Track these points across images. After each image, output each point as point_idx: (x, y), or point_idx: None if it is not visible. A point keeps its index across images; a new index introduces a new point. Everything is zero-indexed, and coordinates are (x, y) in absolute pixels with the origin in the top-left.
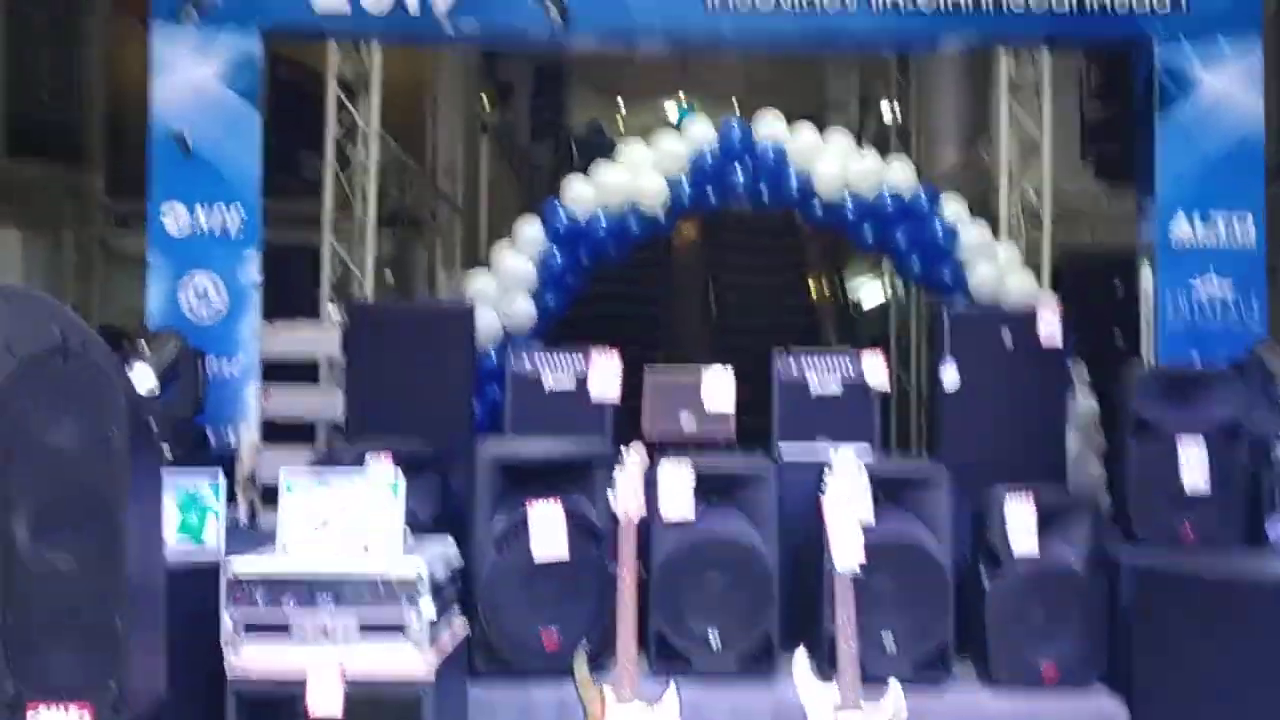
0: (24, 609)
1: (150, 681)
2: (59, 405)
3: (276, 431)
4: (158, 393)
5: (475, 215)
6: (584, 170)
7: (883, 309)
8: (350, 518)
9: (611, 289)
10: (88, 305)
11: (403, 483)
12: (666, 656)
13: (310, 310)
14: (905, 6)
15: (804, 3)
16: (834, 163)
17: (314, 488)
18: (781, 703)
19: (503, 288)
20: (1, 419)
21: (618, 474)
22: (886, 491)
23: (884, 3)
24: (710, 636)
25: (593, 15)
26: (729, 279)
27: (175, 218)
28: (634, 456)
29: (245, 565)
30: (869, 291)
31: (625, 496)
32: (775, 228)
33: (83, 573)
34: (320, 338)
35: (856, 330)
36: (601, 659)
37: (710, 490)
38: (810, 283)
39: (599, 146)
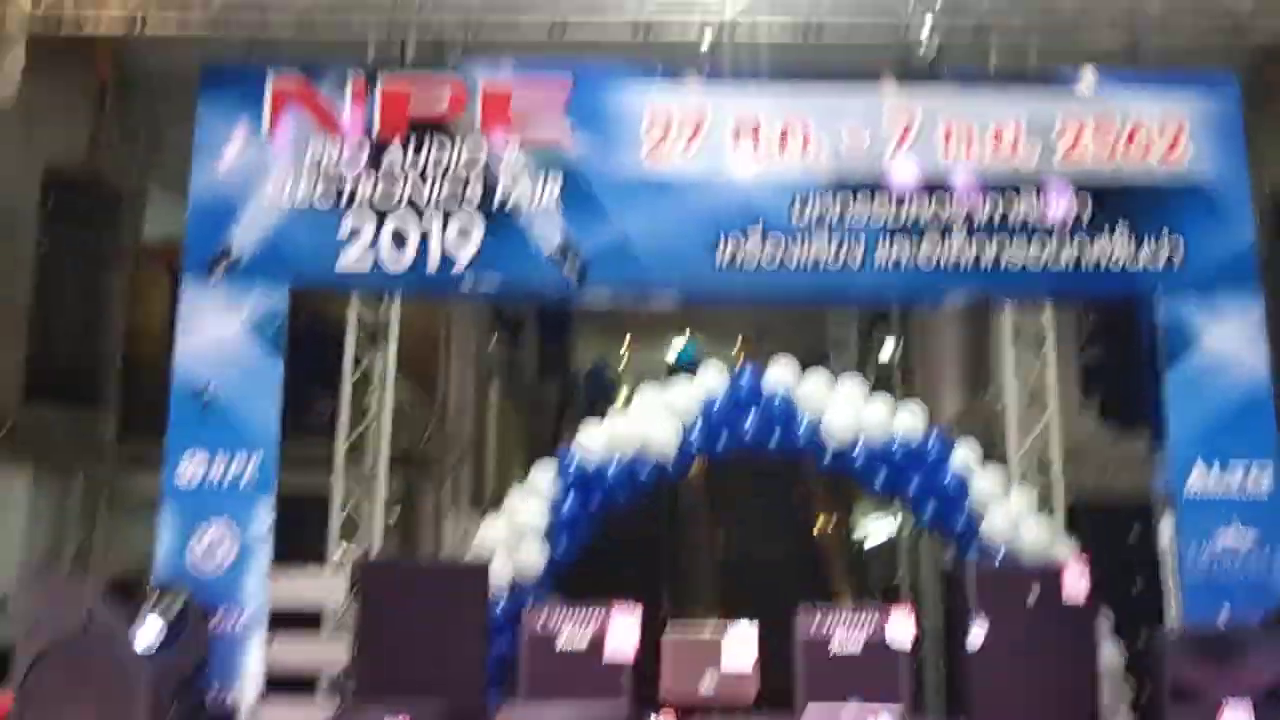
0: None
1: None
2: (82, 690)
3: (275, 682)
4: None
5: (483, 454)
6: (589, 408)
7: (890, 547)
8: None
9: (615, 527)
10: (92, 548)
11: None
12: None
13: (316, 554)
14: (908, 264)
15: (810, 261)
16: (844, 409)
17: None
18: None
19: (515, 534)
20: (26, 700)
21: None
22: None
23: (888, 260)
24: None
25: (607, 271)
26: (733, 516)
27: (191, 468)
28: None
29: None
30: (875, 530)
31: None
32: (779, 465)
33: None
34: (326, 586)
35: (864, 570)
36: None
37: None
38: (816, 520)
39: (604, 385)
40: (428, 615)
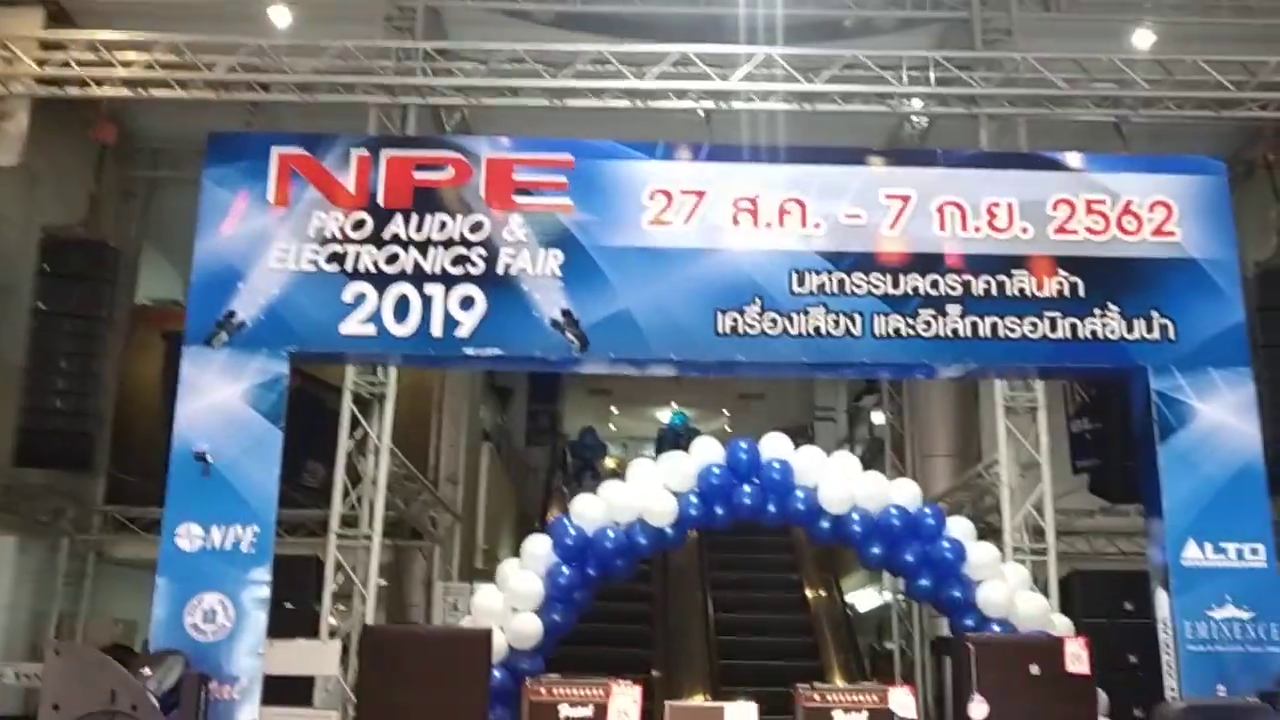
0: None
1: None
2: None
3: None
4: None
5: (473, 522)
6: (577, 474)
7: (880, 613)
8: None
9: (604, 593)
10: (77, 611)
11: None
12: None
13: (305, 617)
14: (906, 334)
15: (810, 329)
16: (840, 482)
17: None
18: None
19: (509, 605)
20: None
21: None
22: None
23: (887, 330)
24: None
25: (608, 340)
26: (722, 580)
27: (189, 537)
28: None
29: None
30: (865, 597)
31: None
32: (770, 532)
33: None
34: (318, 656)
35: (854, 636)
36: None
37: None
38: (806, 588)
39: (592, 450)
40: (429, 681)
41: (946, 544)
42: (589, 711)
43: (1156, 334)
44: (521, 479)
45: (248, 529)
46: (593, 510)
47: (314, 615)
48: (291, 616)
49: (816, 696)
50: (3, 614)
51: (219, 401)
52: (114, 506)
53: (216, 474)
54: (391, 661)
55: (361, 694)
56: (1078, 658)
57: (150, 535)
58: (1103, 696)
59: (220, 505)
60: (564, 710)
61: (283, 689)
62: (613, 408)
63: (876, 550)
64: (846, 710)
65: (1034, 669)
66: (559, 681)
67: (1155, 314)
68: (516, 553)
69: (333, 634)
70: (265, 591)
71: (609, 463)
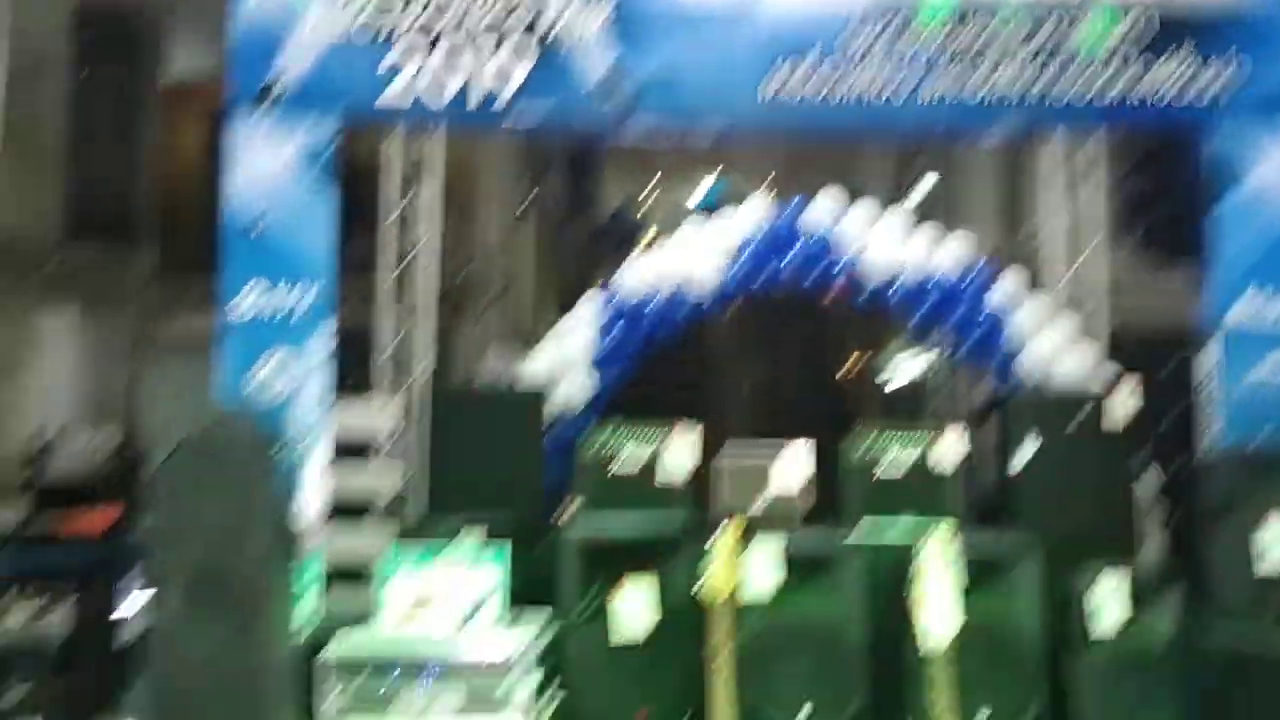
0: (172, 677)
1: None
2: (211, 487)
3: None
4: None
5: (515, 295)
6: (615, 248)
7: (917, 387)
8: (450, 594)
9: (646, 367)
10: (139, 386)
11: (506, 553)
12: None
13: (359, 388)
14: (953, 98)
15: (856, 94)
16: (884, 247)
17: (413, 565)
18: None
19: (559, 367)
20: (160, 498)
21: (710, 551)
22: (975, 571)
23: (935, 92)
24: (800, 716)
25: (651, 103)
26: (762, 355)
27: (248, 300)
28: (727, 534)
29: (347, 646)
30: (904, 369)
31: (717, 574)
32: (810, 303)
33: (227, 645)
34: (375, 416)
35: (891, 408)
36: None
37: (796, 570)
38: (844, 358)
39: (630, 225)
40: (488, 439)
41: (992, 307)
42: (642, 459)
43: (1222, 85)
44: (561, 253)
45: (306, 290)
46: (637, 277)
47: (368, 383)
48: (346, 385)
49: (864, 440)
50: (68, 389)
51: (267, 167)
52: (164, 280)
53: (270, 238)
54: (451, 420)
55: (427, 449)
56: (1126, 403)
57: (203, 309)
58: (1148, 457)
59: (277, 268)
60: (618, 458)
61: (340, 451)
62: (653, 179)
63: (920, 315)
64: (902, 446)
65: (1078, 426)
66: (612, 431)
67: (1223, 63)
68: (557, 326)
69: (387, 402)
70: (327, 352)
71: (648, 236)
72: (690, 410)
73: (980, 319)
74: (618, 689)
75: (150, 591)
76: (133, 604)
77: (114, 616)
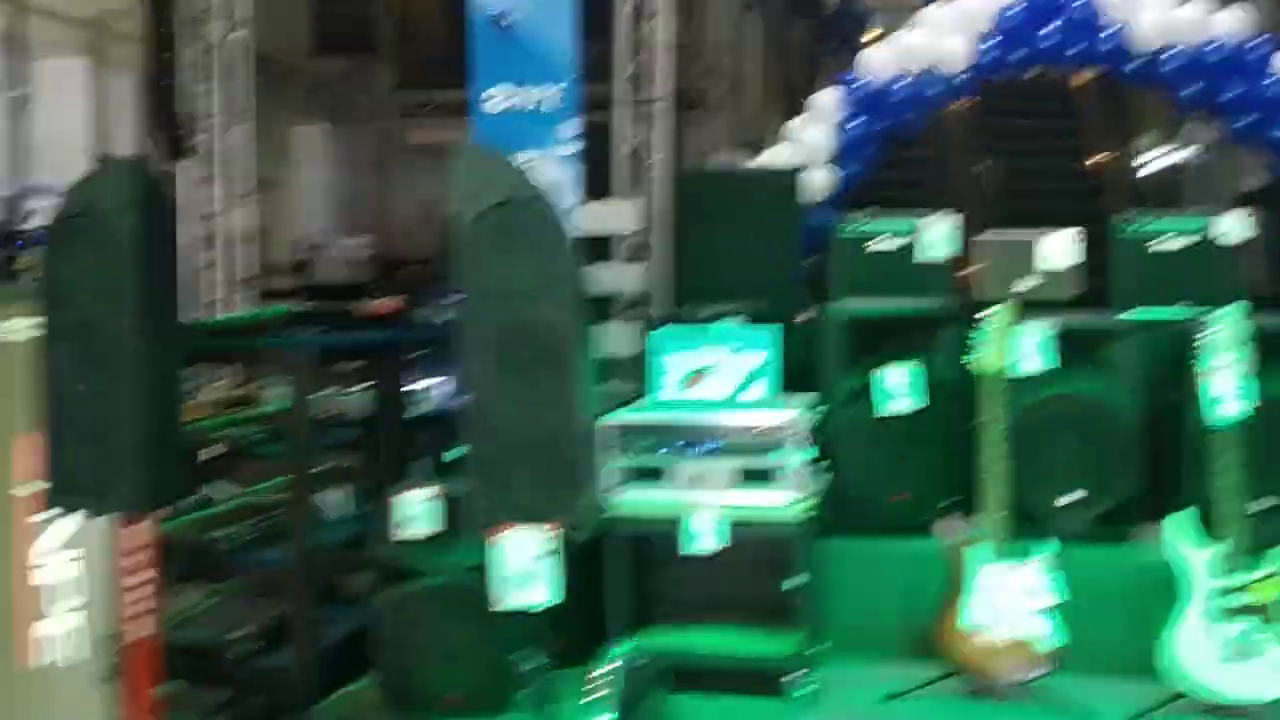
0: (492, 438)
1: (597, 506)
2: (514, 251)
3: None
4: None
5: (742, 93)
6: (839, 45)
7: (1182, 172)
8: (722, 371)
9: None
10: (385, 194)
11: (775, 333)
12: (1026, 517)
13: (597, 192)
14: None
15: None
16: (1153, 15)
17: (686, 343)
18: (1145, 565)
19: (801, 159)
20: (465, 264)
21: (979, 330)
22: (1264, 350)
23: None
24: (1069, 497)
25: None
26: (1001, 147)
27: (495, 100)
28: (999, 311)
29: (626, 416)
30: (1168, 154)
31: (987, 353)
32: (1053, 93)
33: (541, 406)
34: (618, 215)
35: (1143, 201)
36: (953, 518)
37: (1068, 349)
38: (1093, 154)
39: (856, 20)
40: (742, 220)
41: (1274, 78)
42: (898, 241)
43: None
44: (785, 52)
45: (552, 87)
46: (882, 60)
47: (607, 185)
48: (587, 187)
49: (1136, 220)
50: (320, 196)
51: None
52: (406, 92)
53: (515, 35)
54: (700, 207)
55: (681, 234)
56: None
57: (442, 119)
58: None
59: (522, 66)
60: (873, 240)
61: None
62: None
63: (1191, 90)
64: (1178, 228)
65: None
66: (867, 214)
67: None
68: (793, 120)
69: (627, 203)
70: (574, 148)
71: (873, 33)
72: (936, 204)
73: (1263, 92)
74: (882, 468)
75: (452, 364)
76: (426, 380)
77: (408, 389)
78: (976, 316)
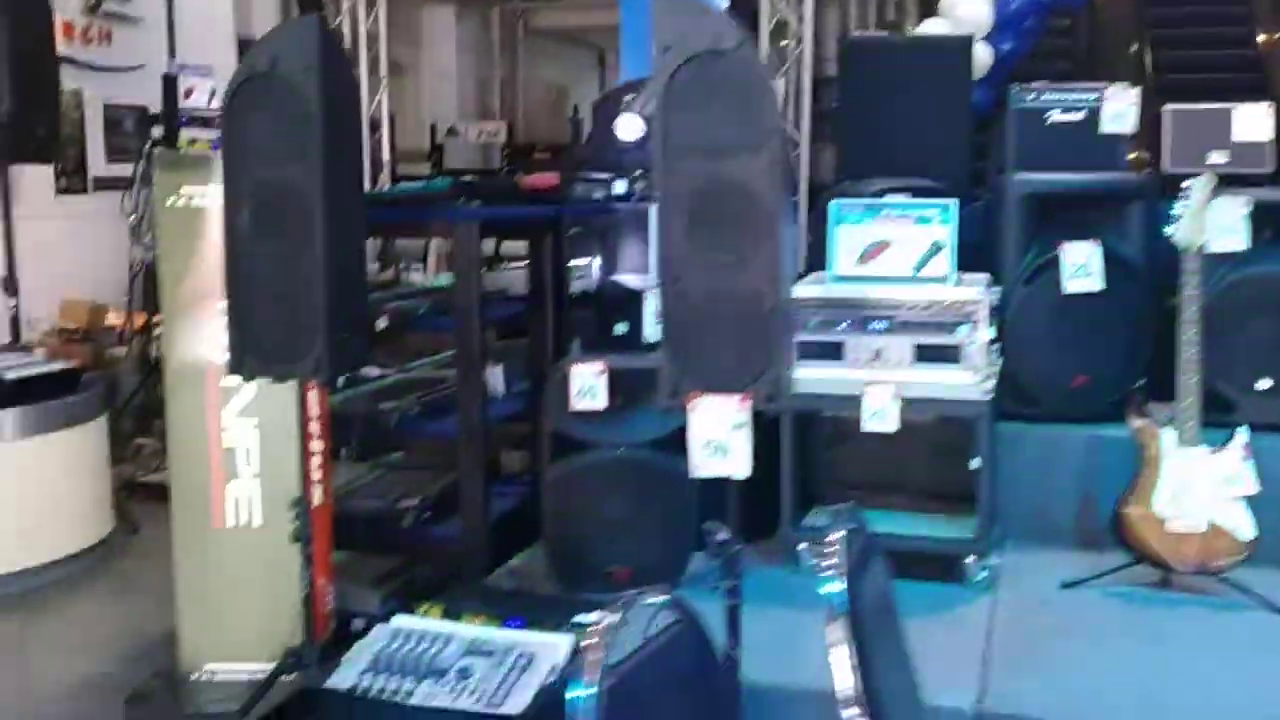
0: (683, 303)
1: (789, 379)
2: (716, 103)
3: None
4: None
5: None
6: None
7: None
8: (899, 245)
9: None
10: (513, 77)
11: (953, 209)
12: (1215, 402)
13: None
14: None
15: None
16: None
17: (862, 217)
18: None
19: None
20: (663, 118)
21: (1181, 203)
22: None
23: None
24: (1265, 382)
25: None
26: (1161, 37)
27: None
28: (1201, 183)
29: (802, 290)
30: None
31: (1187, 226)
32: None
33: (738, 267)
34: None
35: None
36: (1138, 402)
37: (1266, 226)
38: (1261, 40)
39: None
40: (910, 90)
41: None
42: (1079, 114)
43: None
44: None
45: None
46: None
47: None
48: None
49: None
50: (449, 79)
51: None
52: None
53: None
54: (871, 73)
55: (845, 105)
56: None
57: (569, 2)
58: None
59: None
60: (1052, 113)
61: None
62: None
63: None
64: None
65: None
66: (1045, 86)
67: None
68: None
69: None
70: None
71: None
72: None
73: None
74: (1062, 350)
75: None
76: (584, 257)
77: (570, 263)
78: (1181, 186)
